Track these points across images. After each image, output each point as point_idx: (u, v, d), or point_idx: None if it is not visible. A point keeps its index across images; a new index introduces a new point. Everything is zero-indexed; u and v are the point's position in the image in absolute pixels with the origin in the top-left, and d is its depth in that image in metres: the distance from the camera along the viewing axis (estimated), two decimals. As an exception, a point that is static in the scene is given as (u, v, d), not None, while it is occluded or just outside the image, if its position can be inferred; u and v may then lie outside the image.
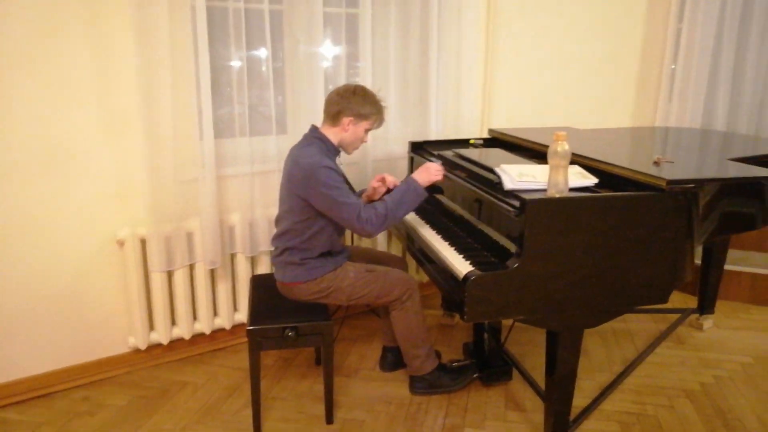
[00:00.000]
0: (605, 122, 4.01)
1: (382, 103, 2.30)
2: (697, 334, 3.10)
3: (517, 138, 2.81)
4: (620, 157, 2.24)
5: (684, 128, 3.53)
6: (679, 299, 3.51)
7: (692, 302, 3.38)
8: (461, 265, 1.94)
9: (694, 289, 3.32)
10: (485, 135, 3.34)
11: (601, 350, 2.91)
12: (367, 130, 2.30)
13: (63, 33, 2.25)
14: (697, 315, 3.17)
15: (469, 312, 1.79)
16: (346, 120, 2.23)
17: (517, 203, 1.81)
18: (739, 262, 3.48)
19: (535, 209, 1.75)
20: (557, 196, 1.83)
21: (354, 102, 2.21)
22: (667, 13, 3.99)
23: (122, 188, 2.49)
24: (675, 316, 3.25)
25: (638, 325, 3.18)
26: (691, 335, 3.08)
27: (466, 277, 1.79)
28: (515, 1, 3.45)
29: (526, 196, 1.78)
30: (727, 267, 3.24)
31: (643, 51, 4.05)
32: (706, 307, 3.14)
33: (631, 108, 4.14)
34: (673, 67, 4.18)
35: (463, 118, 3.29)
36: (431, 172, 2.26)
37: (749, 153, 2.52)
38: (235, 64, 2.58)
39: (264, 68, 2.69)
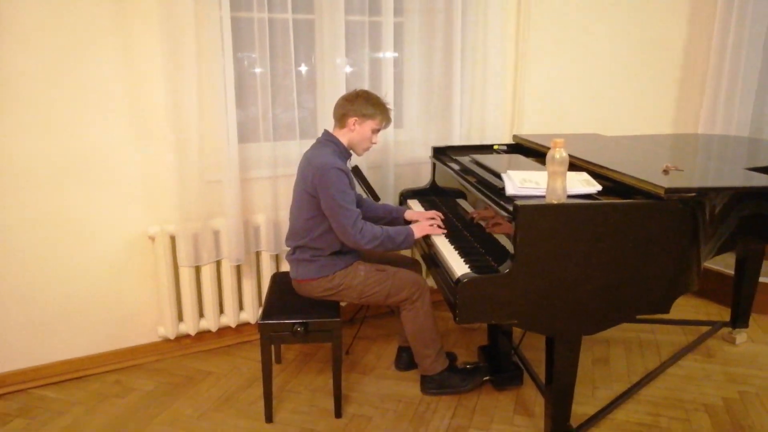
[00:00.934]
0: (643, 129, 3.91)
1: (387, 105, 2.41)
2: (728, 348, 2.99)
3: (536, 144, 2.81)
4: (630, 165, 2.22)
5: (717, 135, 3.42)
6: (713, 310, 3.39)
7: (726, 314, 3.26)
8: (459, 268, 1.99)
9: (728, 300, 3.19)
10: (510, 141, 3.35)
11: (623, 360, 2.86)
12: (374, 130, 2.39)
13: (93, 44, 2.43)
14: (729, 328, 3.06)
15: (461, 314, 1.84)
16: (351, 121, 2.35)
17: (511, 208, 1.84)
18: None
19: (526, 214, 1.78)
20: (555, 202, 1.85)
21: (357, 104, 2.34)
22: (713, 13, 3.84)
23: (152, 189, 2.67)
24: (706, 329, 3.15)
25: (666, 336, 3.10)
26: (722, 349, 2.98)
27: (459, 279, 1.83)
28: (547, 6, 3.44)
29: (520, 202, 1.80)
30: (762, 279, 3.11)
31: (685, 55, 3.93)
32: (739, 320, 3.02)
33: (671, 115, 4.02)
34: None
35: (488, 124, 3.31)
36: (425, 228, 2.41)
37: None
38: (259, 71, 2.71)
39: (288, 77, 2.80)
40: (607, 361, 2.84)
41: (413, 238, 2.37)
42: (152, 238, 2.67)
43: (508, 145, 3.09)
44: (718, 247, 2.11)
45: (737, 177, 2.12)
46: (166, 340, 2.84)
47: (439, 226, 2.42)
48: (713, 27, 3.86)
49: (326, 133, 2.42)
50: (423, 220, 2.48)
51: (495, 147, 3.08)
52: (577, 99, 3.70)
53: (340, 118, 2.38)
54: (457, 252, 2.18)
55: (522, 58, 3.45)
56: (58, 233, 2.53)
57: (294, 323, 2.27)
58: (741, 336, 3.03)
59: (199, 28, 2.50)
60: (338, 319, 2.29)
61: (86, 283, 2.62)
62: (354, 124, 2.36)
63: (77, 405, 2.48)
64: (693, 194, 1.84)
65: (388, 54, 2.98)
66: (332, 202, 2.21)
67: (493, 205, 2.01)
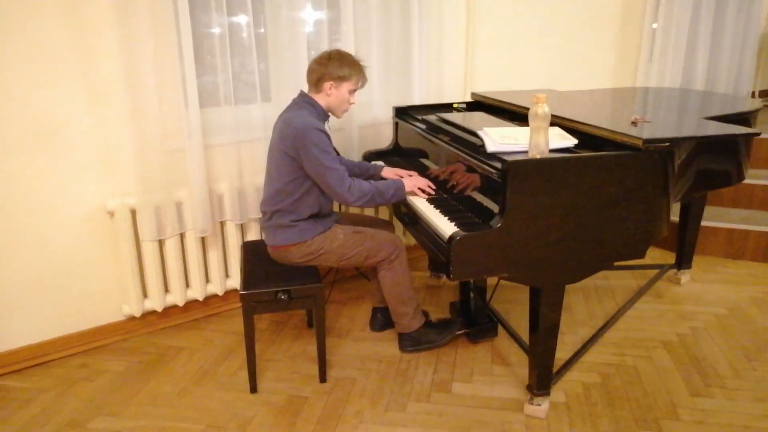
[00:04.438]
0: (586, 84, 4.05)
1: (362, 63, 2.35)
2: (675, 288, 3.21)
3: (499, 101, 2.85)
4: (599, 118, 2.29)
5: (663, 88, 3.59)
6: (657, 255, 3.62)
7: (671, 258, 3.49)
8: (446, 227, 2.01)
9: (673, 245, 3.42)
10: (468, 99, 3.37)
11: (583, 306, 3.01)
12: (351, 91, 2.34)
13: (39, 5, 2.22)
14: (675, 270, 3.29)
15: (454, 271, 1.86)
16: (327, 85, 2.29)
17: (499, 165, 1.86)
18: (715, 218, 3.58)
19: (517, 170, 1.81)
20: (538, 157, 1.89)
21: (331, 66, 2.27)
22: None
23: (109, 159, 2.51)
24: (654, 272, 3.37)
25: (619, 281, 3.29)
26: (670, 289, 3.20)
27: (452, 237, 1.85)
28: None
29: (508, 158, 1.83)
30: (704, 223, 3.35)
31: (623, 12, 4.07)
32: (683, 262, 3.25)
33: (611, 69, 4.19)
34: (654, 26, 4.21)
35: (445, 82, 3.32)
36: (421, 185, 2.38)
37: (726, 111, 2.58)
38: (217, 31, 2.57)
39: (246, 35, 2.69)
40: (570, 308, 2.98)
41: (404, 192, 2.35)
42: (111, 213, 2.52)
43: (467, 103, 3.12)
44: (683, 193, 2.24)
45: (703, 126, 2.24)
46: (132, 318, 2.72)
47: (429, 187, 2.40)
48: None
49: (302, 94, 2.34)
50: (406, 177, 2.46)
51: (455, 105, 3.09)
52: (526, 56, 3.77)
53: (316, 82, 2.30)
54: (438, 211, 2.20)
55: (473, 17, 3.45)
56: (8, 210, 2.33)
57: (277, 291, 2.23)
58: (685, 276, 3.26)
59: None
60: (321, 284, 2.27)
61: (42, 262, 2.45)
62: (330, 88, 2.29)
63: (44, 392, 2.35)
64: (667, 144, 1.93)
65: (347, 14, 2.91)
66: (317, 162, 2.17)
67: (476, 162, 2.03)
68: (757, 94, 5.45)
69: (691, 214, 3.15)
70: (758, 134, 2.26)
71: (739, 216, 3.63)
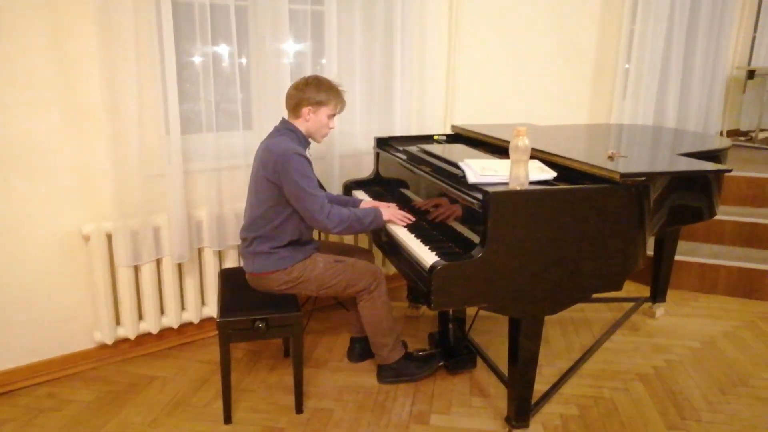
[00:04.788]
0: (563, 119, 4.16)
1: (340, 88, 2.37)
2: (650, 321, 3.25)
3: (478, 134, 2.90)
4: (577, 152, 2.35)
5: (636, 125, 3.69)
6: (633, 288, 3.67)
7: (645, 291, 3.54)
8: (427, 256, 2.01)
9: (647, 278, 3.48)
10: (448, 131, 3.42)
11: (560, 338, 3.02)
12: (330, 116, 2.36)
13: (21, 28, 2.22)
14: (650, 303, 3.33)
15: (435, 300, 1.87)
16: (305, 110, 2.31)
17: (480, 196, 1.88)
18: (688, 253, 3.65)
19: (498, 201, 1.83)
20: (519, 188, 1.91)
21: (309, 91, 2.29)
22: (620, 14, 4.16)
23: (87, 184, 2.48)
24: (629, 305, 3.41)
25: (595, 314, 3.32)
26: (645, 322, 3.23)
27: (433, 266, 1.86)
28: (475, 5, 3.55)
29: (489, 189, 1.86)
30: (677, 258, 3.41)
31: (597, 51, 4.21)
32: (658, 295, 3.29)
33: (587, 106, 4.30)
34: (627, 66, 4.35)
35: (426, 115, 3.37)
36: (398, 216, 2.40)
37: (698, 149, 2.66)
38: (200, 59, 2.58)
39: (230, 64, 2.71)
40: (547, 340, 2.99)
41: (382, 220, 2.36)
42: (87, 237, 2.48)
43: (447, 136, 3.16)
44: (658, 227, 2.29)
45: (677, 162, 2.30)
46: (103, 346, 2.65)
47: (406, 217, 2.42)
48: (620, 33, 4.18)
49: (284, 121, 2.36)
50: (383, 207, 2.47)
51: (435, 137, 3.14)
52: (504, 91, 3.86)
53: (294, 108, 2.32)
54: (419, 240, 2.21)
55: (453, 52, 3.53)
56: (-23, 234, 2.28)
57: (254, 319, 2.20)
58: (659, 310, 3.30)
59: (137, 14, 2.34)
60: (299, 313, 2.25)
61: (13, 287, 2.39)
62: (309, 113, 2.31)
63: (8, 423, 2.25)
64: (643, 178, 1.98)
65: (331, 45, 2.95)
66: (297, 187, 2.17)
67: (458, 193, 2.05)
68: (724, 133, 5.64)
69: (666, 248, 3.21)
70: (730, 171, 2.33)
71: (710, 251, 3.71)
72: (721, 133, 5.54)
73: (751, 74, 5.49)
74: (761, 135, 5.53)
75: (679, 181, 2.40)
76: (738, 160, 4.49)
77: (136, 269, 2.63)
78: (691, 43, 4.80)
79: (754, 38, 5.59)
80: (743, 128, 5.89)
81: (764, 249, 3.71)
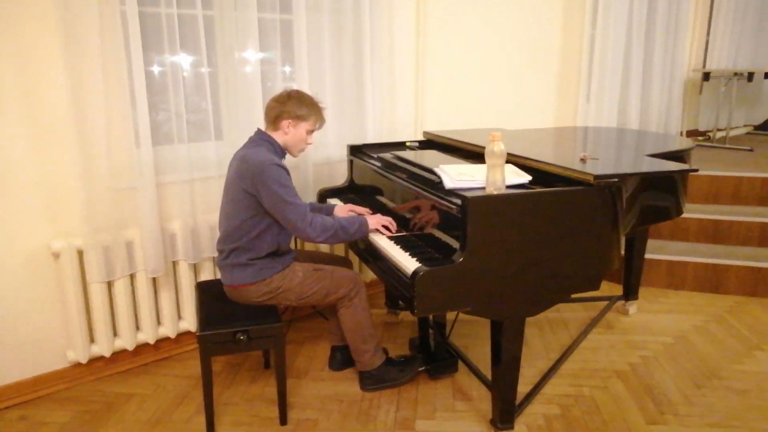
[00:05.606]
0: (530, 123, 4.23)
1: (320, 104, 2.37)
2: (623, 318, 3.32)
3: (450, 139, 2.93)
4: (550, 156, 2.39)
5: (602, 127, 3.78)
6: (606, 287, 3.74)
7: (618, 290, 3.62)
8: (409, 263, 2.02)
9: (620, 277, 3.55)
10: (419, 137, 3.45)
11: (538, 339, 3.06)
12: (309, 131, 2.36)
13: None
14: (623, 301, 3.40)
15: (418, 306, 1.87)
16: (285, 123, 2.30)
17: (458, 201, 1.90)
18: (656, 251, 3.75)
19: (476, 206, 1.85)
20: (496, 193, 1.94)
21: (290, 105, 2.29)
22: (581, 20, 4.26)
23: (55, 198, 2.41)
24: (603, 304, 3.48)
25: (571, 314, 3.37)
26: (619, 320, 3.30)
27: (415, 273, 1.86)
28: (442, 6, 3.59)
29: (468, 194, 1.88)
30: (646, 256, 3.50)
31: (560, 56, 4.31)
32: (630, 293, 3.37)
33: (553, 109, 4.39)
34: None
35: (398, 121, 3.39)
36: (384, 223, 2.39)
37: (663, 149, 2.74)
38: (168, 69, 2.55)
39: (198, 74, 2.68)
40: (526, 341, 3.03)
41: (368, 228, 2.34)
42: (56, 254, 2.41)
43: (419, 142, 3.19)
44: (630, 226, 2.34)
45: (648, 163, 2.37)
46: (77, 365, 2.57)
47: (392, 224, 2.41)
48: (582, 38, 4.29)
49: (260, 132, 2.34)
50: (367, 215, 2.46)
51: (407, 144, 3.16)
52: (473, 98, 3.91)
53: (274, 119, 2.31)
54: (399, 247, 2.21)
55: (422, 59, 3.57)
56: (-59, 255, 2.20)
57: (235, 331, 2.17)
58: (632, 307, 3.38)
59: (103, 25, 2.30)
60: (281, 323, 2.23)
61: (-22, 309, 2.31)
62: (288, 127, 2.30)
63: (-21, 449, 2.18)
64: (616, 180, 2.03)
65: (301, 53, 2.95)
66: (276, 198, 2.15)
67: (435, 198, 2.07)
68: (684, 133, 5.82)
69: (636, 247, 3.29)
70: (696, 170, 2.40)
71: (678, 248, 3.81)
72: (681, 133, 5.71)
73: (706, 76, 5.69)
74: (718, 134, 5.72)
75: (649, 181, 2.46)
76: (698, 160, 4.63)
77: (110, 285, 2.57)
78: (649, 48, 4.95)
79: (707, 42, 5.79)
80: (701, 128, 6.09)
81: (728, 244, 3.83)
